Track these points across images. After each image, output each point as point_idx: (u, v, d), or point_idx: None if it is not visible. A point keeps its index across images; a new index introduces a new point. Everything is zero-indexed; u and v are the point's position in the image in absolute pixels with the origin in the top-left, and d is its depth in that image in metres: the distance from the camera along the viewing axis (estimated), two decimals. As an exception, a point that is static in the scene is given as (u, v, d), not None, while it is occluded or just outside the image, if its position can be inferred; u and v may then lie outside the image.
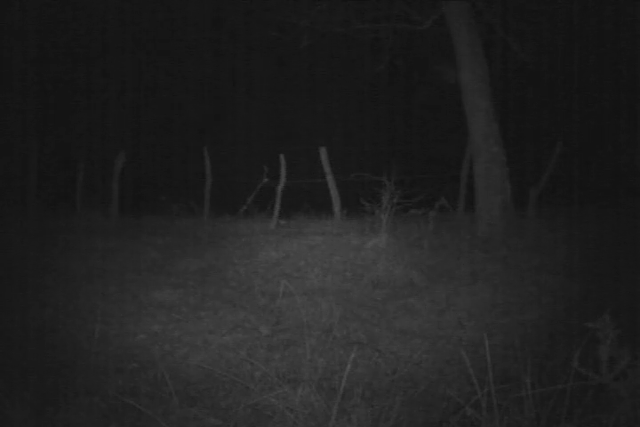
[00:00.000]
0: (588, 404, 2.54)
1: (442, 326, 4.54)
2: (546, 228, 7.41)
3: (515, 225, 7.57)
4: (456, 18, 7.77)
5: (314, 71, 16.44)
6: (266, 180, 8.84)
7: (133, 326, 4.53)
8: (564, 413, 2.48)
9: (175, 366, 3.76)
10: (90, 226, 8.44)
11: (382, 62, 9.80)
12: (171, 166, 13.85)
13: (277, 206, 8.99)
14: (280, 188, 9.11)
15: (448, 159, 9.88)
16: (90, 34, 13.86)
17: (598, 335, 2.48)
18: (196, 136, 14.91)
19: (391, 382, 3.47)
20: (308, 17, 8.92)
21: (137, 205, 10.20)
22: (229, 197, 9.36)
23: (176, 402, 3.08)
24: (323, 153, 8.98)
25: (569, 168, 9.69)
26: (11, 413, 2.81)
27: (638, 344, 2.46)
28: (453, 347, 4.03)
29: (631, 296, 4.45)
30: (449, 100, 11.28)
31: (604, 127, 12.85)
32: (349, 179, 8.60)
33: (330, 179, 8.98)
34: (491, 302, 4.95)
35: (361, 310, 4.92)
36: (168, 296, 5.30)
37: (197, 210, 9.44)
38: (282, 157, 9.18)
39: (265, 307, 5.04)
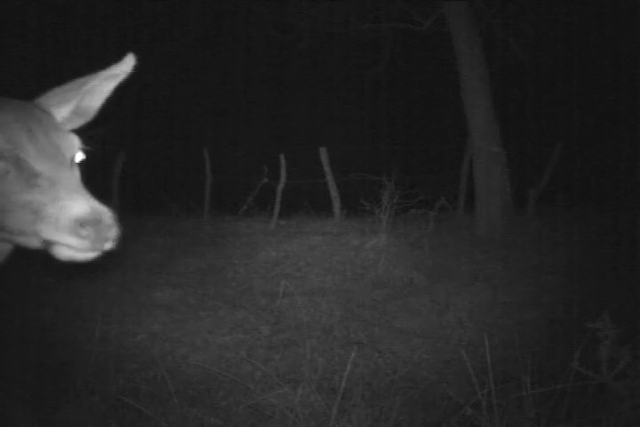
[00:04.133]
0: (588, 404, 2.54)
1: (442, 326, 4.54)
2: (546, 228, 7.40)
3: (515, 225, 7.57)
4: (456, 18, 7.76)
5: (314, 71, 16.43)
6: (266, 180, 8.83)
7: (133, 326, 4.53)
8: (564, 413, 2.48)
9: (175, 366, 3.76)
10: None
11: (382, 62, 9.80)
12: (171, 166, 13.86)
13: (277, 206, 8.99)
14: (280, 188, 9.11)
15: (448, 159, 9.88)
16: (90, 32, 13.87)
17: (598, 335, 2.48)
18: (196, 136, 14.91)
19: (391, 382, 3.47)
20: (308, 17, 8.92)
21: (137, 204, 10.20)
22: (229, 197, 9.36)
23: (176, 402, 3.08)
24: (323, 153, 8.97)
25: (569, 168, 9.69)
26: (11, 413, 2.81)
27: (638, 344, 2.46)
28: (453, 347, 4.02)
29: (631, 296, 4.45)
30: (449, 100, 11.28)
31: (604, 127, 12.85)
32: (349, 179, 8.61)
33: (330, 179, 8.98)
34: (491, 302, 4.95)
35: (361, 310, 4.93)
36: (168, 296, 5.30)
37: (197, 210, 9.44)
38: (282, 157, 9.18)
39: (265, 307, 5.04)
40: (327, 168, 9.00)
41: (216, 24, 15.06)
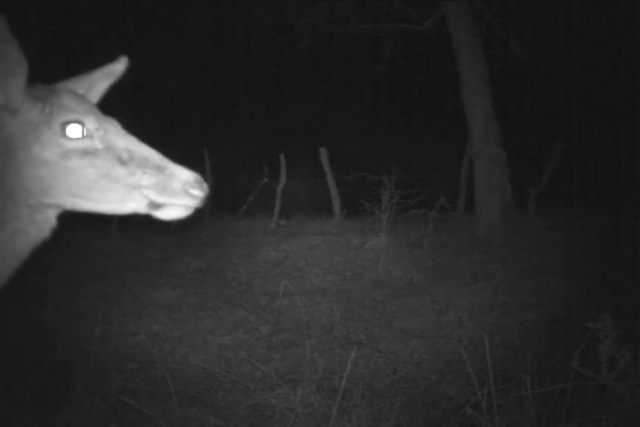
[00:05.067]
0: (588, 404, 2.54)
1: (442, 326, 4.53)
2: (546, 228, 7.40)
3: (515, 225, 7.57)
4: (456, 18, 7.76)
5: (314, 71, 16.43)
6: (266, 180, 8.83)
7: (133, 326, 4.53)
8: (564, 413, 2.48)
9: (175, 366, 3.76)
10: (90, 226, 8.44)
11: (382, 62, 9.80)
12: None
13: (277, 206, 8.98)
14: (280, 188, 9.11)
15: (448, 159, 9.87)
16: (90, 33, 13.87)
17: (598, 335, 2.48)
18: (196, 136, 14.91)
19: (391, 382, 3.47)
20: (308, 17, 8.92)
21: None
22: (229, 197, 9.35)
23: (176, 402, 3.08)
24: (323, 153, 8.97)
25: (569, 168, 9.68)
26: (11, 413, 2.81)
27: (638, 344, 2.46)
28: (453, 347, 4.02)
29: (631, 296, 4.45)
30: (449, 100, 11.27)
31: (604, 127, 12.84)
32: (349, 179, 8.60)
33: (330, 179, 8.98)
34: (491, 302, 4.94)
35: (361, 310, 4.93)
36: (168, 296, 5.30)
37: (197, 210, 9.43)
38: (282, 156, 9.18)
39: (265, 307, 5.04)
40: (327, 168, 9.00)
41: (216, 24, 15.06)
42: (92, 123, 1.50)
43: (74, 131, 1.48)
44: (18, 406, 2.87)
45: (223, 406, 3.20)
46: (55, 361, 3.68)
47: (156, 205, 1.50)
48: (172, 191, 1.49)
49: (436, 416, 2.97)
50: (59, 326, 4.44)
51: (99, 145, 1.49)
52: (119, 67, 1.69)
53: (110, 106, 1.72)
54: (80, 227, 8.30)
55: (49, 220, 1.55)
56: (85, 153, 1.48)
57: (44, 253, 1.59)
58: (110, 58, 1.69)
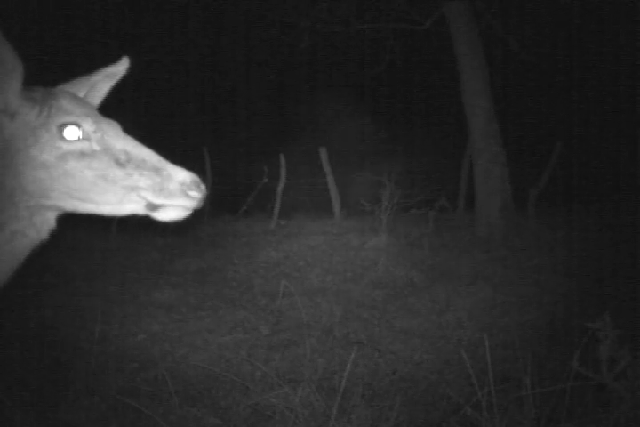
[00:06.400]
0: (588, 404, 2.54)
1: (442, 326, 4.53)
2: (546, 228, 7.41)
3: (515, 225, 7.57)
4: (456, 18, 7.76)
5: (314, 71, 16.42)
6: (266, 180, 8.84)
7: (133, 326, 4.53)
8: (564, 413, 2.48)
9: (175, 366, 3.76)
10: (90, 225, 8.43)
11: (382, 62, 9.79)
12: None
13: (277, 206, 8.99)
14: (280, 188, 9.11)
15: (448, 159, 9.87)
16: (90, 33, 13.86)
17: (598, 335, 2.48)
18: (196, 136, 14.90)
19: (391, 382, 3.47)
20: (308, 17, 8.92)
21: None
22: (229, 197, 9.35)
23: (176, 402, 3.08)
24: (323, 153, 8.97)
25: (569, 168, 9.68)
26: (11, 413, 2.81)
27: (638, 344, 2.46)
28: (453, 347, 4.02)
29: (631, 296, 4.45)
30: (449, 100, 11.27)
31: (604, 127, 12.84)
32: (349, 179, 8.60)
33: (330, 179, 8.98)
34: (491, 302, 4.95)
35: (361, 310, 4.92)
36: (168, 296, 5.30)
37: (197, 210, 9.42)
38: (282, 156, 9.18)
39: (265, 307, 5.04)
40: (327, 168, 9.00)
41: (216, 24, 15.06)
42: (89, 125, 1.50)
43: (71, 133, 1.48)
44: (18, 406, 2.87)
45: (223, 406, 3.20)
46: (55, 361, 3.67)
47: (154, 207, 1.51)
48: (169, 192, 1.49)
49: (436, 416, 2.97)
50: (58, 325, 4.44)
51: (96, 147, 1.49)
52: (120, 68, 1.70)
53: (110, 106, 1.73)
54: (80, 227, 8.31)
55: (48, 222, 1.56)
56: (83, 155, 1.48)
57: (44, 253, 1.59)
58: (110, 59, 1.69)
